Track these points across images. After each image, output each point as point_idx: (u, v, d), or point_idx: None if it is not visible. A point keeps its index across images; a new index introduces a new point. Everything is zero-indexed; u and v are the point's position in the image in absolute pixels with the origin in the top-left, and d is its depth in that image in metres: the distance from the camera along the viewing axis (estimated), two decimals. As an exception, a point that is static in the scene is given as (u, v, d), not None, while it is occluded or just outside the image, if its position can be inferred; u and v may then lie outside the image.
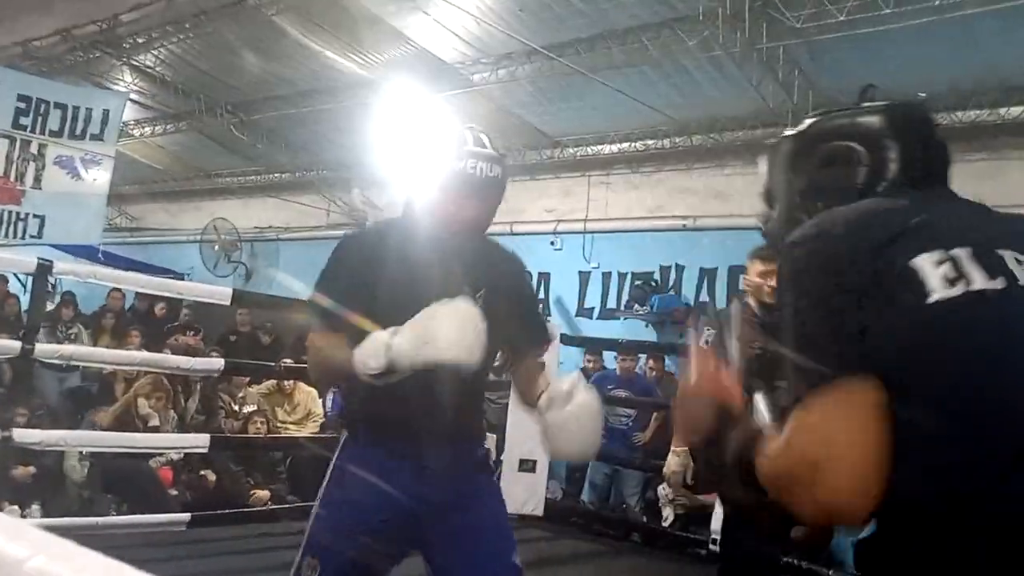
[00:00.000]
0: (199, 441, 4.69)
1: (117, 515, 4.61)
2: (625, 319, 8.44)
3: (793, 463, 1.04)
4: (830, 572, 4.65)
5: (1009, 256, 1.10)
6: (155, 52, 8.49)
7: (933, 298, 1.04)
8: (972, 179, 6.23)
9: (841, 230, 1.13)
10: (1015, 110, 6.21)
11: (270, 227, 11.97)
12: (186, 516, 4.34)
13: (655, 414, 6.74)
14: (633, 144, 8.28)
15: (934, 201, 1.24)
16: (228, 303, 4.55)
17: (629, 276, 8.55)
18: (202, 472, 5.83)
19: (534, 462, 5.85)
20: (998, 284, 1.06)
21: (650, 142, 8.16)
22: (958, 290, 1.05)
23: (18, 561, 0.57)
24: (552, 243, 9.14)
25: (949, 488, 1.00)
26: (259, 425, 6.09)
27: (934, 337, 1.04)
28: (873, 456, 1.00)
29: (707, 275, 8.04)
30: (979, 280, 1.06)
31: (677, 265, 8.23)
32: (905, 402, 1.01)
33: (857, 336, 1.04)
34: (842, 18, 5.46)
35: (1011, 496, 0.97)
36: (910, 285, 1.05)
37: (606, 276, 8.72)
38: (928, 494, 1.01)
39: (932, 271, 1.06)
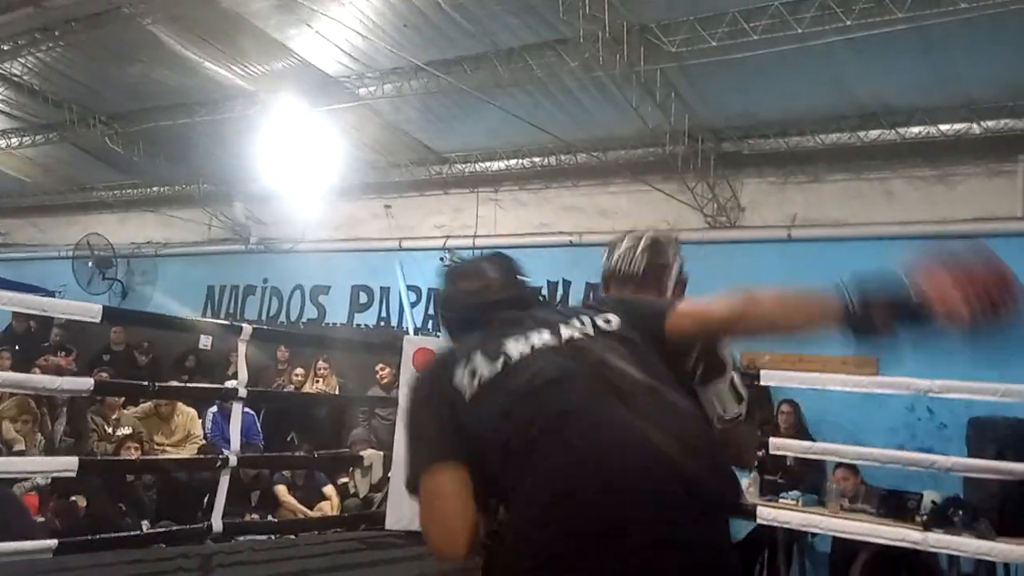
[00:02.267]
0: (67, 465, 4.47)
1: (-24, 546, 4.34)
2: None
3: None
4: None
5: (509, 341, 1.55)
6: (22, 60, 8.10)
7: (467, 396, 1.50)
8: (835, 199, 6.64)
9: (427, 370, 1.67)
10: (872, 133, 6.63)
11: (148, 243, 11.56)
12: (53, 543, 4.12)
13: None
14: (520, 161, 8.41)
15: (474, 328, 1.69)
16: (98, 320, 4.36)
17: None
18: (72, 498, 5.57)
19: (421, 478, 5.82)
20: (497, 367, 1.51)
21: (537, 160, 8.31)
22: (476, 382, 1.51)
23: None
24: (442, 259, 9.15)
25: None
26: (132, 450, 5.86)
27: (473, 424, 1.48)
28: (454, 516, 1.43)
29: (593, 290, 8.22)
30: (485, 370, 1.51)
31: (564, 280, 8.39)
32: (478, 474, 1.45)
33: (446, 436, 1.49)
34: (714, 43, 5.72)
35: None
36: (459, 395, 1.51)
37: (494, 292, 8.79)
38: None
39: (463, 377, 1.52)
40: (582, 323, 1.60)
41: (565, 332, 1.57)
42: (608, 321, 1.62)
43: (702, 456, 1.40)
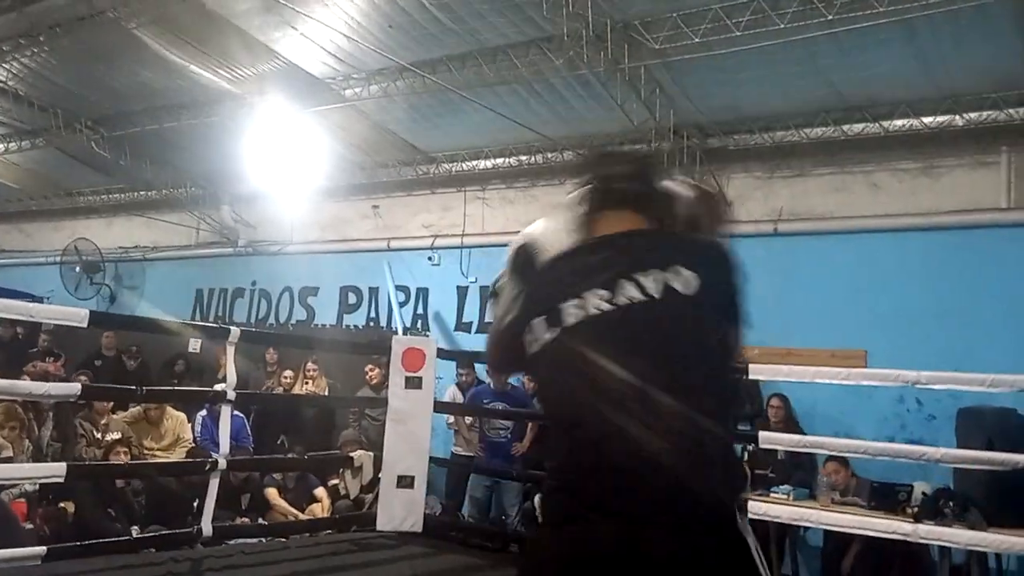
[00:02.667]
0: (55, 471, 4.45)
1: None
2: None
3: None
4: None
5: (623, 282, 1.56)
6: (6, 66, 8.06)
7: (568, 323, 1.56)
8: (820, 193, 6.67)
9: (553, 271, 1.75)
10: (857, 127, 6.65)
11: (136, 247, 11.52)
12: (42, 550, 4.10)
13: (531, 424, 6.83)
14: (507, 160, 8.42)
15: None
16: (85, 325, 4.34)
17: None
18: (61, 504, 5.54)
19: (412, 478, 5.81)
20: (602, 307, 1.55)
21: (523, 158, 8.32)
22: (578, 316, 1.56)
23: None
24: (430, 258, 9.16)
25: None
26: (123, 455, 5.83)
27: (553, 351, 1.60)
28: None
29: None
30: (591, 307, 1.56)
31: (553, 278, 8.38)
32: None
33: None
34: (697, 40, 5.73)
35: None
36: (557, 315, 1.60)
37: (484, 290, 8.79)
38: None
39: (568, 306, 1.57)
40: (654, 282, 1.56)
41: (647, 285, 1.55)
42: (688, 283, 1.56)
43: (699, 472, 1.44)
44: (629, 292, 1.54)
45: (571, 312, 1.55)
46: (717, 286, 1.60)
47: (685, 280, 1.55)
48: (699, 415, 1.44)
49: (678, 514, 1.40)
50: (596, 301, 1.54)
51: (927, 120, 6.43)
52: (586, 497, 1.45)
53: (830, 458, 5.64)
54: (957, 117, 6.33)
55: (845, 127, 6.71)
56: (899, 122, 6.54)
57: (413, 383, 5.75)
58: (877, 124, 6.59)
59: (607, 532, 1.40)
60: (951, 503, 4.84)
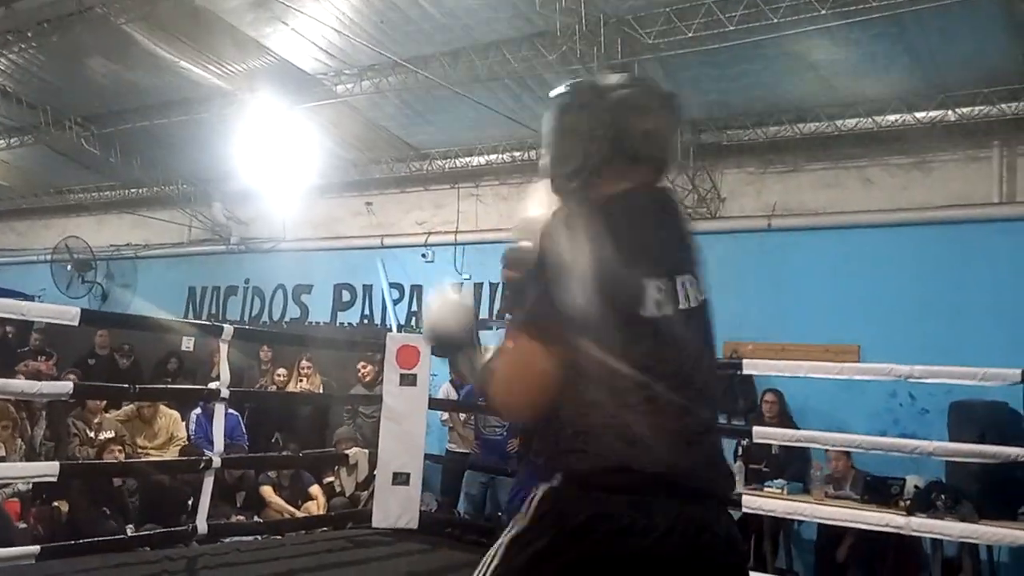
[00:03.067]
0: (48, 470, 4.43)
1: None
2: (498, 328, 8.47)
3: None
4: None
5: (679, 283, 1.57)
6: (-6, 62, 8.02)
7: (643, 310, 1.48)
8: (813, 188, 6.66)
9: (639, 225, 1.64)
10: (850, 122, 6.66)
11: (127, 245, 11.46)
12: (35, 549, 4.09)
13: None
14: (501, 156, 8.40)
15: None
16: (76, 323, 4.32)
17: (500, 286, 8.64)
18: (54, 503, 5.52)
19: (407, 475, 5.81)
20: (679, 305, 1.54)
21: (517, 154, 8.30)
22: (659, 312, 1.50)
23: None
24: (424, 255, 9.14)
25: None
26: (117, 453, 5.81)
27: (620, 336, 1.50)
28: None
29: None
30: (669, 306, 1.52)
31: (546, 275, 8.36)
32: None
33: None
34: (691, 35, 5.73)
35: None
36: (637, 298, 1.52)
37: (478, 287, 8.78)
38: None
39: (651, 294, 1.51)
40: (697, 290, 1.60)
41: (692, 295, 1.58)
42: (700, 293, 1.61)
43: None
44: (693, 292, 1.58)
45: (682, 295, 1.54)
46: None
47: (700, 288, 1.62)
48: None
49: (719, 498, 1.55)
50: (687, 289, 1.56)
51: (919, 115, 6.44)
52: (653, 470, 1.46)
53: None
54: (949, 112, 6.34)
55: (838, 122, 6.72)
56: (891, 117, 6.55)
57: (408, 380, 5.75)
58: (870, 119, 6.60)
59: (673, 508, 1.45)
60: (943, 496, 4.86)
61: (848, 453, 5.62)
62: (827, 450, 5.66)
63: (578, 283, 1.44)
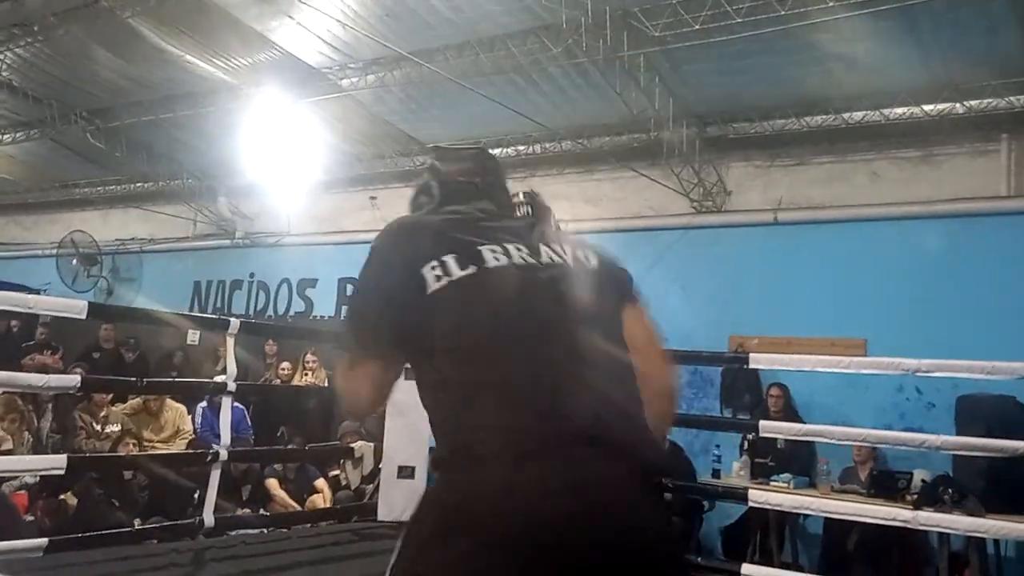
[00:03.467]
0: (55, 463, 4.44)
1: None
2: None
3: None
4: (699, 559, 4.82)
5: (485, 248, 1.56)
6: (0, 56, 8.01)
7: (429, 289, 1.51)
8: (820, 182, 6.63)
9: (401, 235, 1.68)
10: (856, 115, 6.64)
11: (133, 239, 11.48)
12: (43, 541, 4.10)
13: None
14: (505, 150, 8.38)
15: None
16: (84, 317, 4.32)
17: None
18: (61, 496, 5.54)
19: (412, 468, 5.81)
20: (470, 270, 1.52)
21: (521, 148, 8.30)
22: (445, 279, 1.51)
23: None
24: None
25: None
26: (131, 446, 5.84)
27: (425, 318, 1.51)
28: (368, 398, 1.67)
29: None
30: (456, 271, 1.52)
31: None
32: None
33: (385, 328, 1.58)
34: (697, 27, 5.71)
35: None
36: (421, 284, 1.52)
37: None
38: None
39: (429, 269, 1.52)
40: (562, 250, 1.63)
41: (544, 254, 1.61)
42: (588, 258, 1.66)
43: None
44: (547, 252, 1.60)
45: (489, 256, 1.56)
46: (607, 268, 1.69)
47: (573, 254, 1.65)
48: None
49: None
50: (519, 253, 1.58)
51: (927, 108, 6.42)
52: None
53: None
54: (957, 105, 6.32)
55: (845, 115, 6.70)
56: (899, 110, 6.53)
57: (412, 374, 5.75)
58: (877, 112, 6.58)
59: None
60: (950, 490, 4.85)
61: (874, 448, 5.61)
62: (854, 445, 5.62)
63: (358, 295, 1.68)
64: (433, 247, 1.57)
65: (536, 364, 1.46)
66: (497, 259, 1.56)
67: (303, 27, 6.81)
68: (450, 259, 1.54)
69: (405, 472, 5.86)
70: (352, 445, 6.37)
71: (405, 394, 5.63)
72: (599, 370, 1.49)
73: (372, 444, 6.25)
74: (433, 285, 1.51)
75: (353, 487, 6.40)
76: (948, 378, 4.71)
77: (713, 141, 7.43)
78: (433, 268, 1.52)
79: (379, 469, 5.81)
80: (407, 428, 5.72)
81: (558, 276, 1.58)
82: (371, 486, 6.17)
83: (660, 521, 1.51)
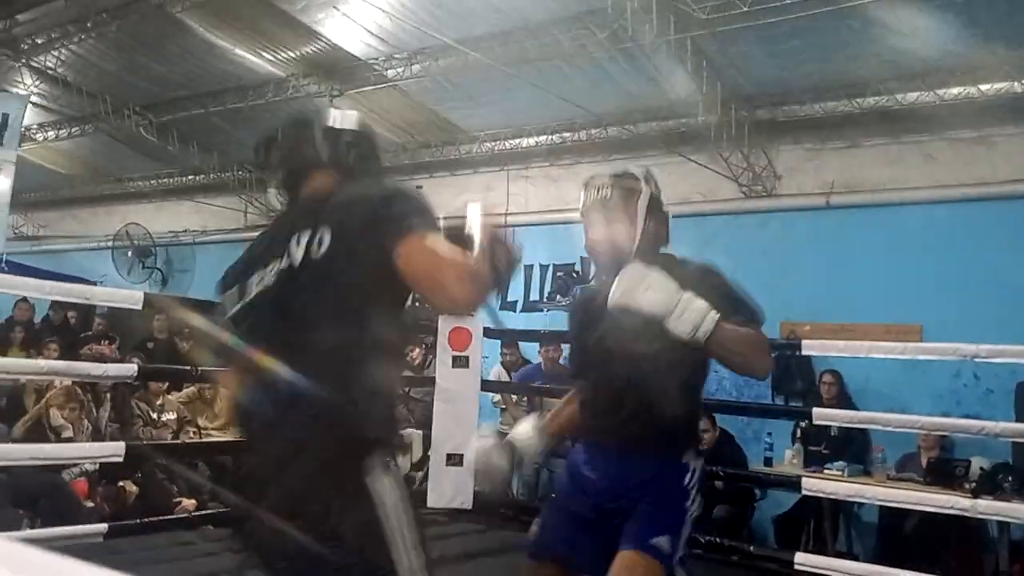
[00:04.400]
0: (114, 450, 4.55)
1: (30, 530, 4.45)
2: (548, 311, 8.51)
3: None
4: (751, 548, 4.78)
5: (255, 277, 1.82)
6: (56, 53, 8.20)
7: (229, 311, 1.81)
8: (873, 164, 6.50)
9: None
10: (910, 96, 6.47)
11: (186, 231, 11.70)
12: (103, 527, 4.21)
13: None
14: (550, 137, 8.35)
15: None
16: (139, 307, 4.41)
17: (551, 268, 8.63)
18: (120, 483, 5.68)
19: (461, 456, 5.85)
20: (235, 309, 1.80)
21: (567, 135, 8.25)
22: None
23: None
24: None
25: None
26: (192, 434, 5.98)
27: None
28: None
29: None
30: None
31: (599, 255, 8.33)
32: None
33: None
34: (745, 9, 5.61)
35: None
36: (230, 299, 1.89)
37: (528, 269, 8.78)
38: None
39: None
40: (296, 246, 1.72)
41: (283, 262, 1.74)
42: (320, 243, 1.67)
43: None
44: (283, 259, 1.72)
45: (252, 284, 1.78)
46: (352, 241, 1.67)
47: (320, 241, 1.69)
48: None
49: None
50: (268, 273, 1.76)
51: (983, 88, 6.23)
52: None
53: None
54: (1015, 84, 6.12)
55: (898, 96, 6.53)
56: (954, 90, 6.33)
57: (460, 362, 5.79)
58: (931, 93, 6.40)
59: None
60: (1010, 478, 4.74)
61: (940, 436, 5.49)
62: (920, 433, 5.51)
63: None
64: (230, 279, 1.86)
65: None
66: (259, 284, 1.77)
67: (349, 18, 6.86)
68: (232, 293, 1.82)
69: (454, 460, 5.91)
70: (401, 433, 6.42)
71: (452, 382, 5.69)
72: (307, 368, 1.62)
73: (420, 432, 6.30)
74: (228, 313, 1.84)
75: (402, 474, 6.45)
76: (1007, 364, 4.60)
77: (762, 124, 7.31)
78: (226, 299, 1.83)
79: (427, 457, 5.86)
80: (456, 416, 5.77)
81: (279, 293, 1.72)
82: (420, 473, 6.22)
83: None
